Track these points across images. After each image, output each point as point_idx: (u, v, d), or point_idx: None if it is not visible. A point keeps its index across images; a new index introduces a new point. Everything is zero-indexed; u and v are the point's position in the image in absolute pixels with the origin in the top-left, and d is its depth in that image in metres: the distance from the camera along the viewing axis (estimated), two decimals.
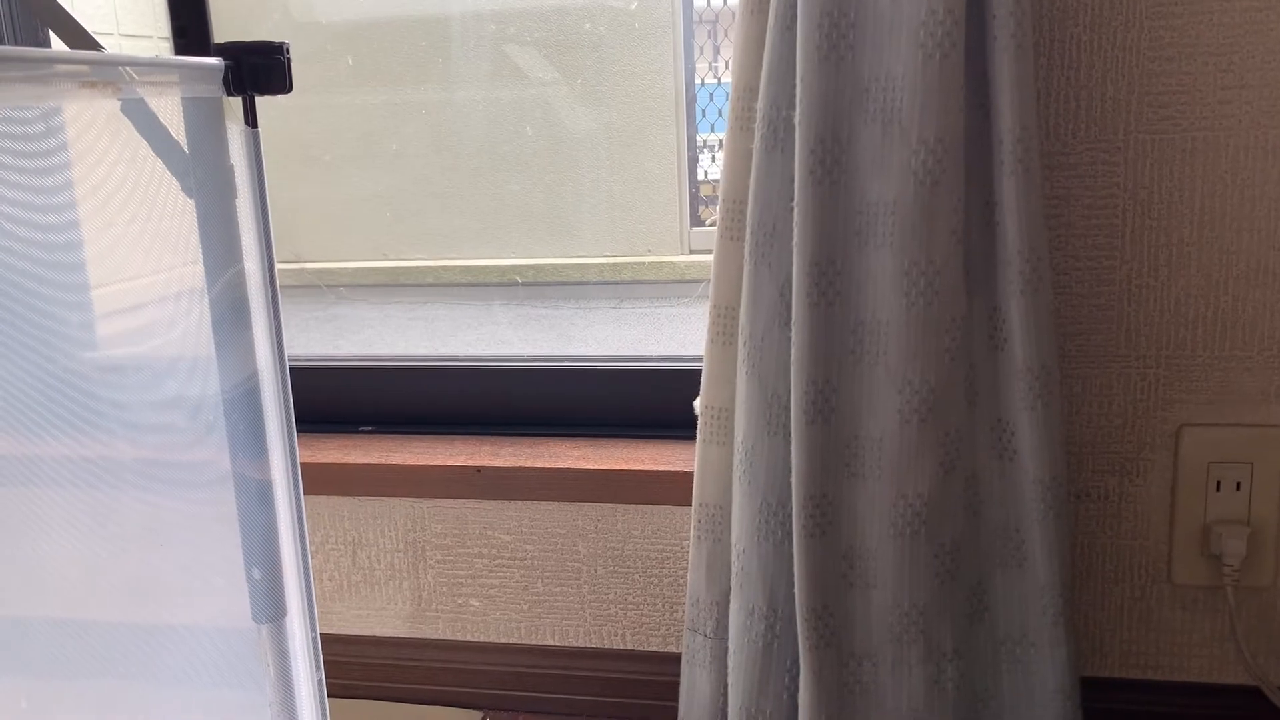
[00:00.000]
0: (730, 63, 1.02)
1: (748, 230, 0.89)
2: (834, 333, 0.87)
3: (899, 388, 0.86)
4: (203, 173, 0.71)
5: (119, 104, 0.67)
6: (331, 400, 1.28)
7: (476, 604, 1.20)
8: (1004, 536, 0.93)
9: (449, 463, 1.15)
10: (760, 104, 0.87)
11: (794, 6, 0.84)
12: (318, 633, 0.82)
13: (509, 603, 1.20)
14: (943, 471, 0.88)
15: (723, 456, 0.97)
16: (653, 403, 1.20)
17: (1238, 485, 1.00)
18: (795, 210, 0.85)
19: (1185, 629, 1.05)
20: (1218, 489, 1.00)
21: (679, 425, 1.16)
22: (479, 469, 1.14)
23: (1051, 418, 0.88)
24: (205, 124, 0.71)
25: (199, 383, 0.75)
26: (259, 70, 0.70)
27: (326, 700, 0.84)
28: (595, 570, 1.17)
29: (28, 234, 0.65)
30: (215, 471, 0.77)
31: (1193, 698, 1.06)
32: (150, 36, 1.59)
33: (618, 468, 1.11)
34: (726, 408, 0.96)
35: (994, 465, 0.92)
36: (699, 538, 0.99)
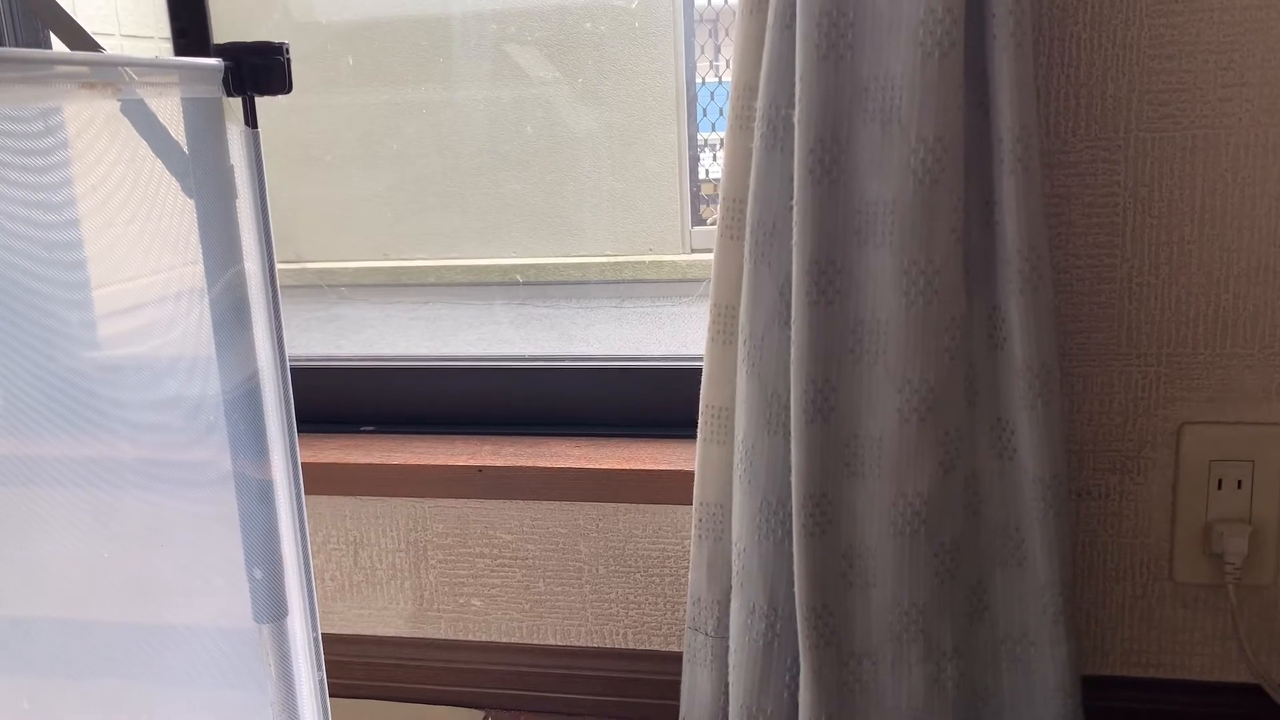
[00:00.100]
0: (730, 62, 1.02)
1: (747, 229, 0.89)
2: (834, 332, 0.87)
3: (899, 387, 0.86)
4: (203, 173, 0.71)
5: (119, 105, 0.68)
6: (333, 400, 1.28)
7: (478, 603, 1.21)
8: (1004, 535, 0.93)
9: (450, 462, 1.15)
10: (760, 103, 0.87)
11: (793, 5, 0.84)
12: (319, 632, 0.82)
13: (511, 602, 1.20)
14: (942, 470, 0.88)
15: (723, 456, 0.97)
16: (653, 402, 1.20)
17: (1239, 483, 1.00)
18: (795, 209, 0.85)
19: (1187, 627, 1.05)
20: (1219, 487, 1.00)
21: (680, 424, 1.16)
22: (480, 468, 1.14)
23: (1051, 416, 0.88)
24: (205, 125, 0.71)
25: (200, 383, 0.75)
26: (259, 71, 0.71)
27: (328, 700, 0.84)
28: (597, 570, 1.17)
29: (28, 232, 0.65)
30: (216, 471, 0.77)
31: (1194, 696, 1.06)
32: (151, 37, 1.59)
33: (619, 467, 1.11)
34: (727, 407, 0.96)
35: (994, 464, 0.92)
36: (700, 537, 0.99)
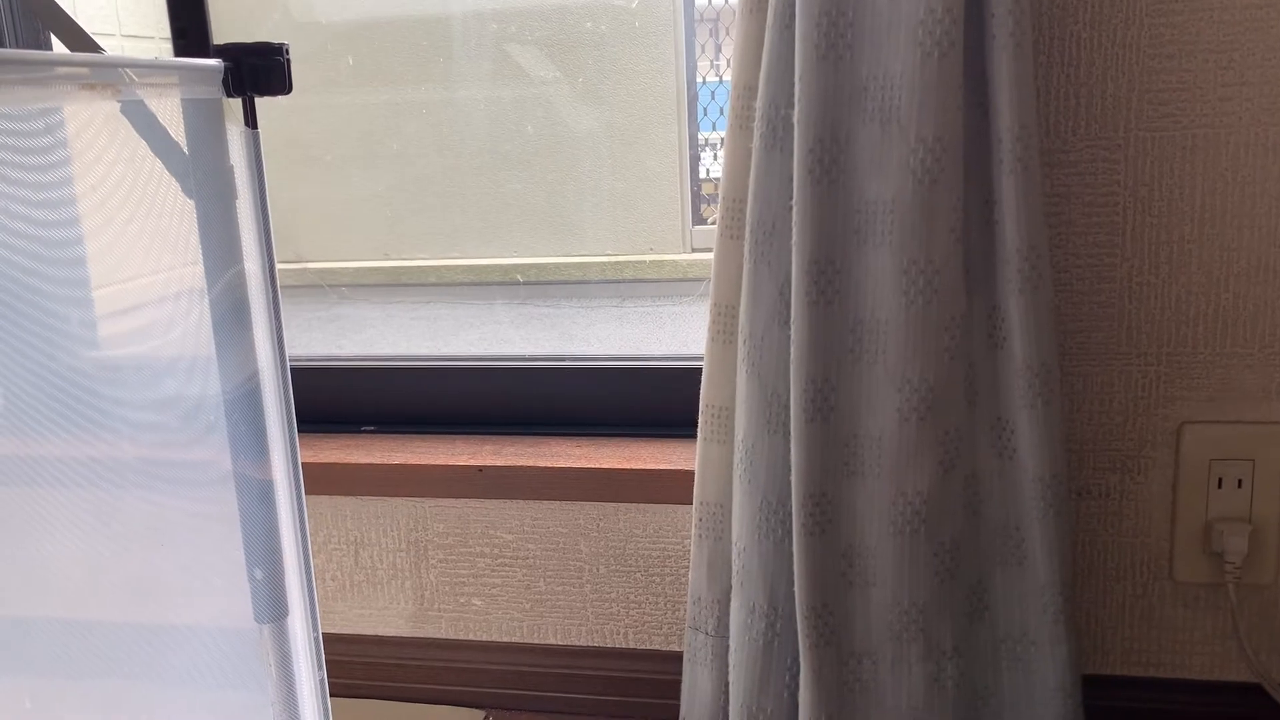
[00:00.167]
0: (730, 61, 1.02)
1: (747, 229, 0.90)
2: (833, 331, 0.87)
3: (898, 386, 0.86)
4: (202, 174, 0.71)
5: (119, 105, 0.68)
6: (333, 400, 1.29)
7: (479, 603, 1.21)
8: (1004, 535, 0.93)
9: (451, 462, 1.15)
10: (759, 103, 0.87)
11: (792, 5, 0.84)
12: (319, 632, 0.82)
13: (511, 602, 1.20)
14: (942, 470, 0.88)
15: (723, 455, 0.97)
16: (654, 402, 1.20)
17: (1239, 482, 1.00)
18: (794, 209, 0.85)
19: (1187, 626, 1.05)
20: (1219, 486, 1.00)
21: (680, 424, 1.16)
22: (481, 468, 1.14)
23: (1051, 416, 0.88)
24: (205, 125, 0.71)
25: (200, 383, 0.75)
26: (258, 71, 0.71)
27: (329, 700, 0.84)
28: (597, 569, 1.17)
29: (29, 230, 0.65)
30: (217, 471, 0.77)
31: (1195, 695, 1.06)
32: (152, 37, 1.59)
33: (619, 467, 1.11)
34: (727, 406, 0.96)
35: (994, 463, 0.92)
36: (700, 536, 0.99)
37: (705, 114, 1.64)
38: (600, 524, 1.15)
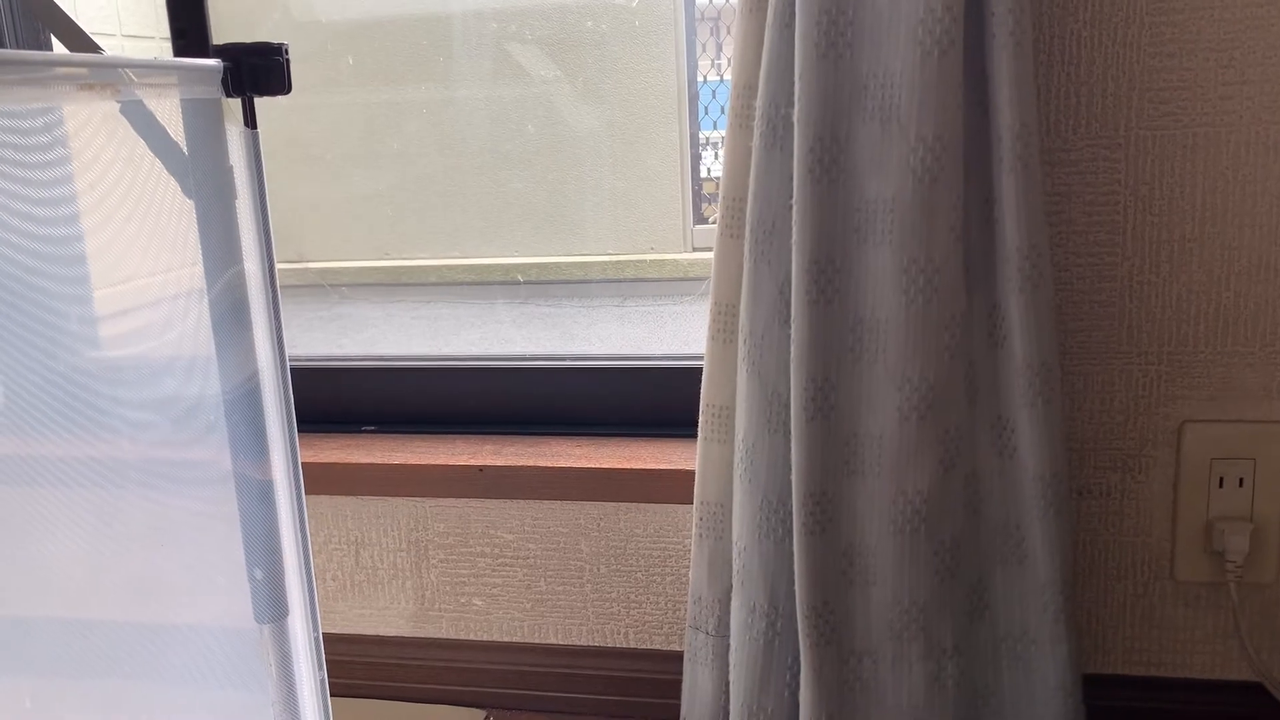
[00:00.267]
0: (730, 60, 1.02)
1: (747, 228, 0.89)
2: (833, 330, 0.87)
3: (898, 385, 0.86)
4: (202, 174, 0.72)
5: (118, 106, 0.68)
6: (334, 400, 1.29)
7: (479, 603, 1.21)
8: (1004, 534, 0.93)
9: (451, 462, 1.15)
10: (759, 102, 0.87)
11: (792, 4, 0.84)
12: (320, 632, 0.82)
13: (512, 601, 1.20)
14: (942, 469, 0.88)
15: (724, 454, 0.97)
16: (654, 401, 1.20)
17: (1240, 481, 1.00)
18: (794, 208, 0.85)
19: (1188, 625, 1.05)
20: (1220, 485, 1.00)
21: (680, 424, 1.16)
22: (481, 468, 1.14)
23: (1052, 414, 0.88)
24: (204, 125, 0.71)
25: (199, 382, 0.75)
26: (258, 71, 0.71)
27: (329, 700, 0.84)
28: (598, 569, 1.17)
29: (28, 229, 0.65)
30: (216, 471, 0.77)
31: (1196, 694, 1.06)
32: (153, 37, 1.59)
33: (620, 466, 1.11)
34: (727, 406, 0.96)
35: (994, 462, 0.92)
36: (700, 536, 0.99)
37: (706, 113, 1.64)
38: (601, 524, 1.15)
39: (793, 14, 0.84)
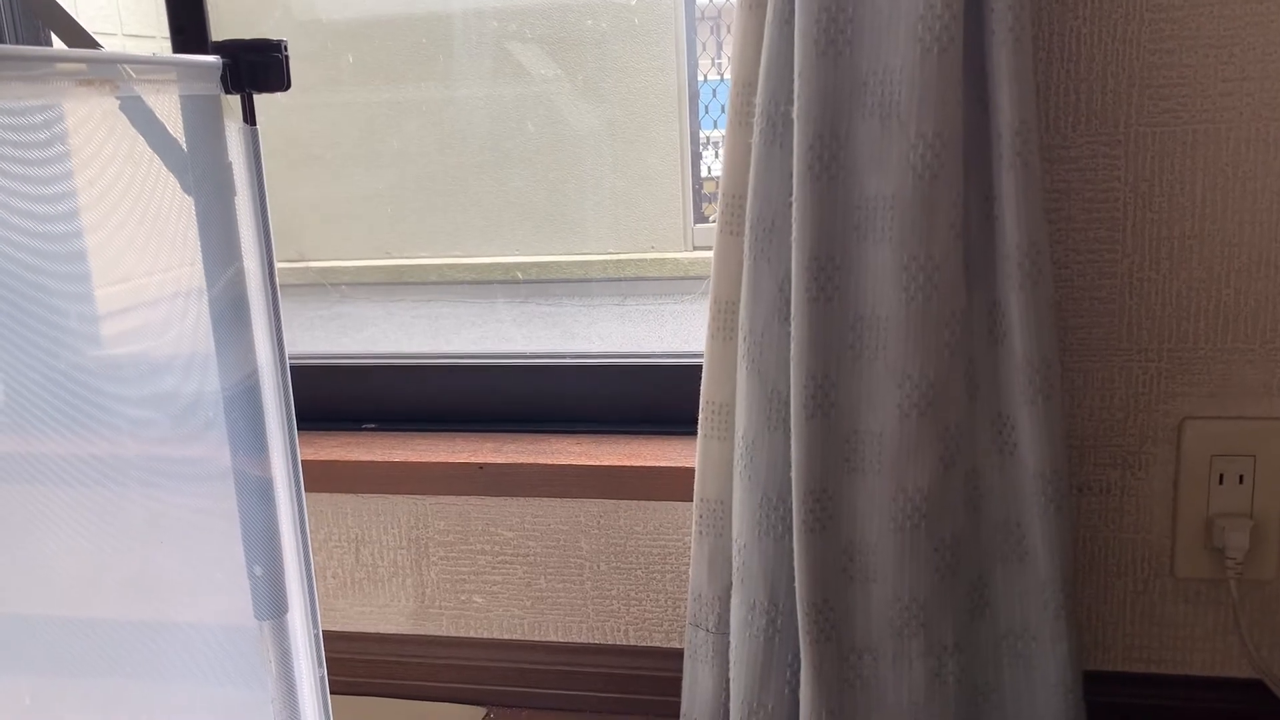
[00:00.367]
0: (730, 58, 1.02)
1: (747, 225, 0.89)
2: (833, 327, 0.87)
3: (898, 382, 0.86)
4: (201, 171, 0.72)
5: (117, 102, 0.68)
6: (334, 398, 1.29)
7: (479, 600, 1.21)
8: (1005, 531, 0.93)
9: (452, 460, 1.15)
10: (759, 99, 0.87)
11: (792, 1, 0.84)
12: (319, 629, 0.82)
13: (512, 599, 1.20)
14: (943, 466, 0.88)
15: (723, 452, 0.97)
16: (654, 399, 1.20)
17: (1240, 478, 0.99)
18: (794, 205, 0.85)
19: (1188, 622, 1.05)
20: (1220, 482, 1.00)
21: (680, 421, 1.16)
22: (481, 466, 1.14)
23: (1052, 411, 0.88)
24: (203, 122, 0.71)
25: (199, 380, 0.75)
26: (257, 68, 0.71)
27: (329, 697, 0.84)
28: (598, 566, 1.17)
29: (28, 226, 0.65)
30: (216, 468, 0.77)
31: (1196, 691, 1.06)
32: (154, 36, 1.59)
33: (620, 464, 1.11)
34: (727, 403, 0.96)
35: (994, 459, 0.92)
36: (700, 533, 0.99)
37: (706, 111, 1.64)
38: (601, 521, 1.15)
39: (792, 11, 0.84)
